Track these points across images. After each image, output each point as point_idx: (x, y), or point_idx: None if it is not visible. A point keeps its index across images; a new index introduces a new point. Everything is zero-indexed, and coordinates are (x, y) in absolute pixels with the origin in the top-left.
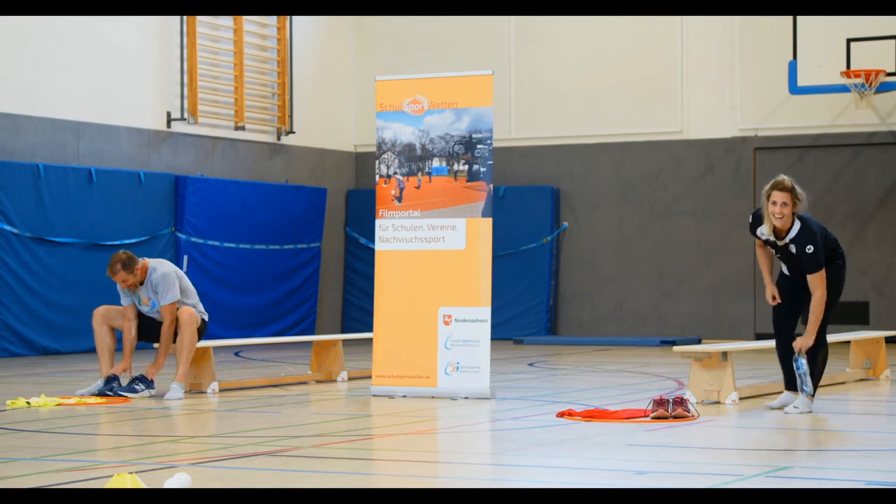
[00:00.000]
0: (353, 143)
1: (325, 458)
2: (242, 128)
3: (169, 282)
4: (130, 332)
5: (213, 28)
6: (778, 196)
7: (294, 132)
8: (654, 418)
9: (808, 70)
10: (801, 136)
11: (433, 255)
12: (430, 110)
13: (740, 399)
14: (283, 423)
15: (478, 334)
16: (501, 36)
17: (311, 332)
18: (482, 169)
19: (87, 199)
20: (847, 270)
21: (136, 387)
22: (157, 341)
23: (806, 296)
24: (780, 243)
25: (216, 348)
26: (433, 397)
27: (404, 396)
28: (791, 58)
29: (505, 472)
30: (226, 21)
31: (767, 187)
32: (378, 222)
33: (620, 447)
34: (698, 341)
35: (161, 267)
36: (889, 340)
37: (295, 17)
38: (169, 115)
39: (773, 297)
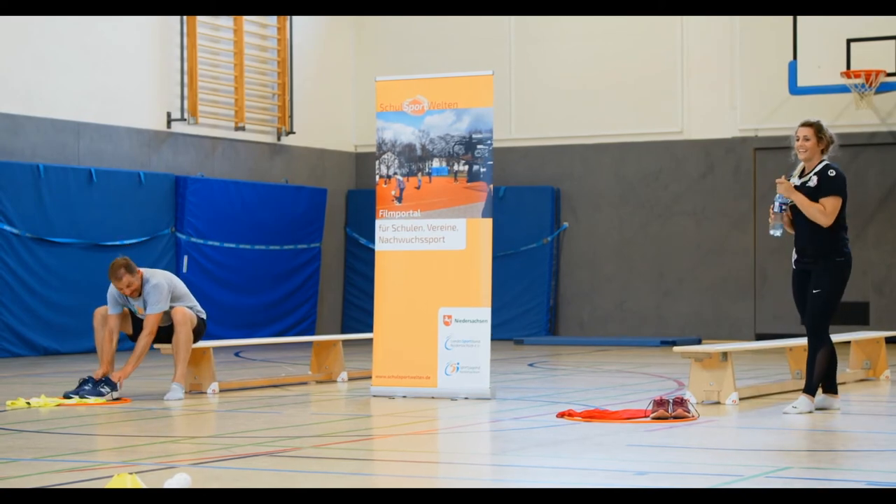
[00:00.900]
0: (354, 144)
1: (326, 458)
2: (242, 128)
3: (159, 293)
4: (112, 342)
5: (213, 28)
6: (801, 131)
7: (294, 132)
8: (654, 419)
9: (808, 70)
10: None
11: (433, 256)
12: (430, 111)
13: (740, 399)
14: (283, 423)
15: (478, 335)
16: (501, 36)
17: (312, 333)
18: (482, 169)
19: (87, 199)
20: (851, 269)
21: (102, 390)
22: (166, 342)
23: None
24: (803, 180)
25: (216, 349)
26: (433, 398)
27: (404, 397)
28: (791, 58)
29: (505, 472)
30: (226, 21)
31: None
32: (378, 223)
33: (620, 447)
34: (698, 341)
35: (153, 277)
36: (889, 341)
37: (295, 18)
38: (169, 115)
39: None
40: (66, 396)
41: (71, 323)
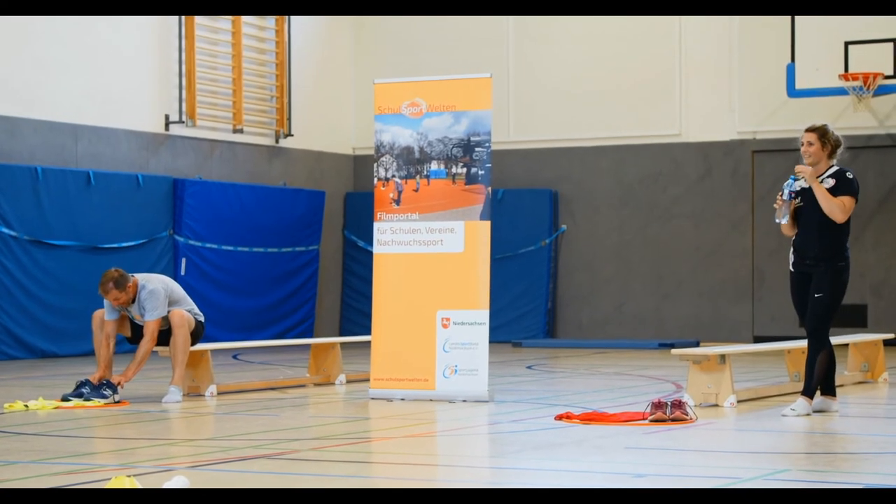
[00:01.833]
0: (352, 146)
1: (324, 461)
2: (241, 131)
3: (155, 299)
4: (109, 347)
5: (211, 31)
6: (805, 136)
7: (292, 135)
8: (652, 421)
9: (806, 73)
10: (799, 138)
11: (431, 258)
12: (428, 113)
13: (738, 402)
14: (281, 426)
15: (476, 337)
16: (500, 38)
17: (310, 335)
18: (480, 172)
19: (85, 201)
20: (850, 274)
21: (105, 392)
22: (164, 344)
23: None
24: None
25: (214, 351)
26: (431, 400)
27: (402, 399)
28: (789, 61)
29: (503, 475)
30: (224, 24)
31: None
32: (376, 225)
33: (619, 450)
34: (697, 344)
35: (149, 283)
36: (887, 343)
37: (293, 20)
38: (167, 117)
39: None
40: (64, 399)
41: (69, 326)
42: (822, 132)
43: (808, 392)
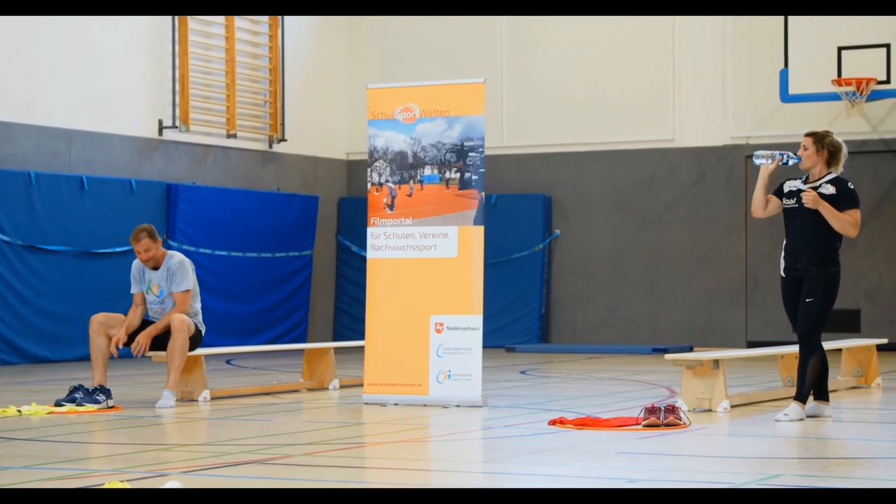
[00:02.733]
0: (345, 151)
1: (317, 466)
2: (234, 135)
3: (185, 270)
4: (136, 319)
5: (205, 36)
6: (803, 141)
7: (286, 140)
8: (645, 426)
9: (799, 78)
10: (792, 143)
11: (425, 263)
12: (421, 118)
13: (732, 407)
14: (274, 431)
15: (470, 342)
16: (493, 43)
17: (303, 340)
18: (474, 177)
19: (78, 206)
20: (841, 279)
21: (98, 397)
22: (160, 349)
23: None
24: (811, 185)
25: (208, 356)
26: (425, 405)
27: (396, 404)
28: (783, 66)
29: (496, 479)
30: (217, 29)
31: None
32: (370, 230)
33: (612, 455)
34: (690, 349)
35: (177, 256)
36: (880, 348)
37: (287, 25)
38: (161, 122)
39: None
40: (58, 404)
41: (62, 331)
42: (817, 136)
43: (800, 397)
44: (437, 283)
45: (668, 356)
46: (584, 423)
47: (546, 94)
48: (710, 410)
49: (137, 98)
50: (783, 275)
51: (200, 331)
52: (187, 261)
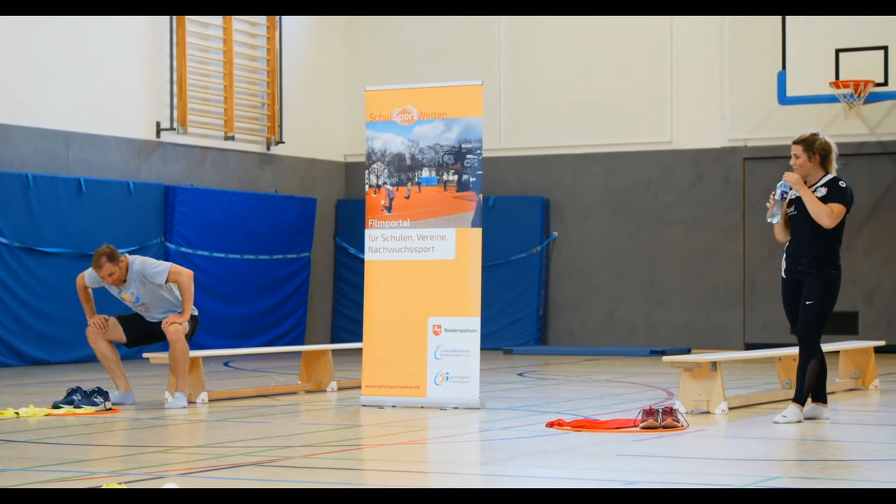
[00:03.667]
0: (343, 153)
1: (315, 468)
2: (232, 138)
3: (151, 262)
4: (90, 299)
5: (202, 38)
6: (792, 149)
7: (284, 142)
8: (643, 428)
9: (797, 80)
10: (790, 146)
11: (423, 265)
12: (419, 120)
13: (730, 409)
14: (272, 433)
15: (467, 344)
16: (491, 46)
17: (301, 342)
18: (472, 179)
19: (76, 209)
20: (841, 282)
21: (96, 399)
22: (158, 339)
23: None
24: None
25: (206, 358)
26: (423, 407)
27: (394, 406)
28: (780, 68)
29: (494, 481)
30: (215, 31)
31: None
32: (368, 232)
33: (610, 457)
34: (688, 351)
35: (137, 257)
36: (878, 350)
37: (285, 26)
38: (158, 124)
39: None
40: (55, 406)
41: (60, 333)
42: (807, 143)
43: (799, 399)
44: (435, 285)
45: (665, 358)
46: (581, 425)
47: (544, 96)
48: (707, 412)
49: (135, 100)
50: (783, 276)
51: (195, 315)
52: (144, 259)
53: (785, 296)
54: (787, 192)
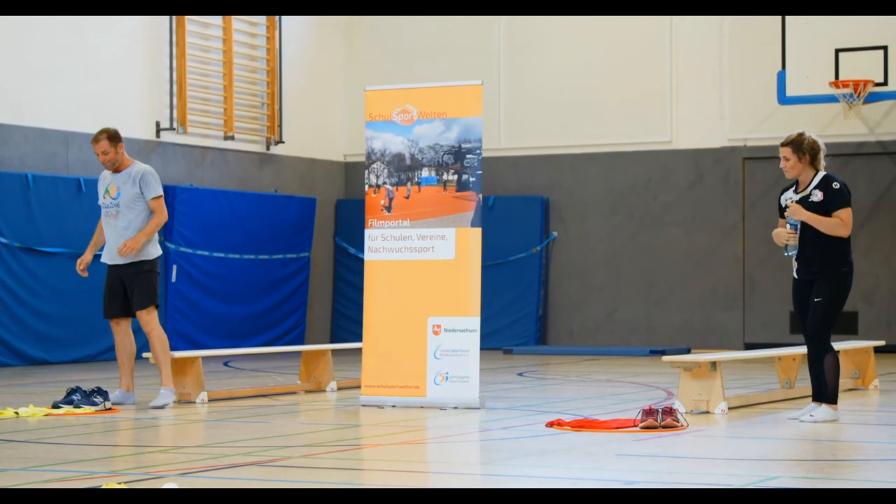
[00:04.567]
0: (343, 153)
1: (315, 468)
2: (232, 137)
3: (154, 179)
4: (101, 236)
5: (202, 38)
6: (781, 151)
7: (283, 142)
8: (643, 428)
9: (796, 80)
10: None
11: (422, 265)
12: (419, 120)
13: (729, 409)
14: (272, 433)
15: (467, 344)
16: (491, 46)
17: (301, 342)
18: (471, 179)
19: (76, 208)
20: (853, 279)
21: (95, 399)
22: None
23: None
24: (801, 194)
25: (205, 358)
26: (422, 407)
27: (393, 406)
28: (780, 68)
29: (494, 481)
30: (215, 31)
31: None
32: (367, 232)
33: (610, 457)
34: (688, 351)
35: (145, 165)
36: (878, 350)
37: (284, 27)
38: (158, 124)
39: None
40: (55, 406)
41: (59, 333)
42: (795, 144)
43: (820, 398)
44: (435, 285)
45: (665, 358)
46: (581, 425)
47: (543, 96)
48: (707, 412)
49: (135, 100)
50: (795, 277)
51: (153, 270)
52: (153, 171)
53: (796, 296)
54: (797, 226)
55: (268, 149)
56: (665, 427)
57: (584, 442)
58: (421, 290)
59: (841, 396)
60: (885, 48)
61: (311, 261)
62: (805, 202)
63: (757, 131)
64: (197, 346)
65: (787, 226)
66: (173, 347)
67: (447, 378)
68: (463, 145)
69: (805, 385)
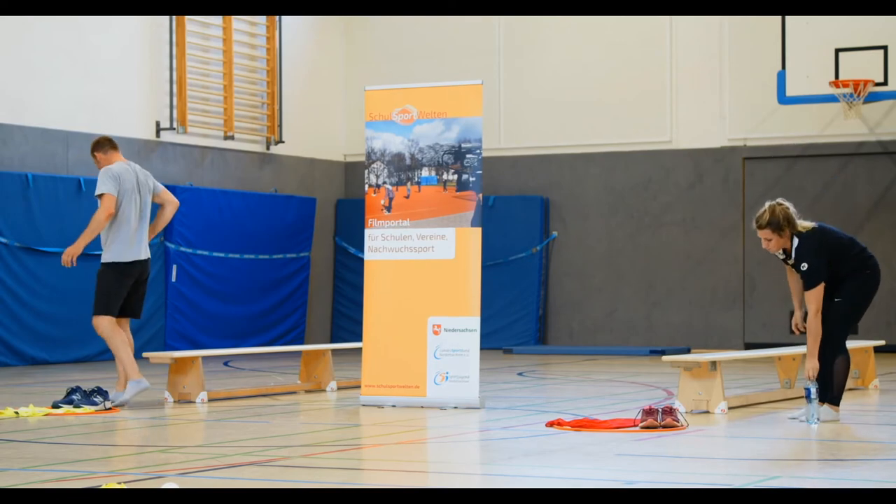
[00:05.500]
0: (343, 153)
1: (315, 468)
2: (232, 137)
3: (104, 175)
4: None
5: (202, 38)
6: (759, 234)
7: (283, 142)
8: (643, 428)
9: (796, 80)
10: (789, 145)
11: (422, 265)
12: (419, 120)
13: (729, 409)
14: (272, 432)
15: (467, 344)
16: (490, 46)
17: (301, 342)
18: (471, 178)
19: (76, 208)
20: (878, 283)
21: (95, 399)
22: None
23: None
24: (791, 263)
25: (205, 358)
26: (422, 407)
27: (393, 406)
28: (780, 68)
29: (494, 481)
30: (215, 31)
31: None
32: (367, 232)
33: (610, 457)
34: (687, 351)
35: (112, 165)
36: (878, 350)
37: (284, 26)
38: (158, 124)
39: (797, 326)
40: (55, 406)
41: (59, 333)
42: (773, 224)
43: (825, 398)
44: (435, 285)
45: (665, 358)
46: (581, 425)
47: (543, 96)
48: (707, 412)
49: (135, 100)
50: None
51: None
52: (110, 170)
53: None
54: (811, 389)
55: (268, 149)
56: (665, 427)
57: (584, 442)
58: (421, 289)
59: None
60: (885, 48)
61: (311, 261)
62: (797, 267)
63: (757, 131)
64: (197, 346)
65: (806, 392)
66: (173, 347)
67: (447, 378)
68: (463, 145)
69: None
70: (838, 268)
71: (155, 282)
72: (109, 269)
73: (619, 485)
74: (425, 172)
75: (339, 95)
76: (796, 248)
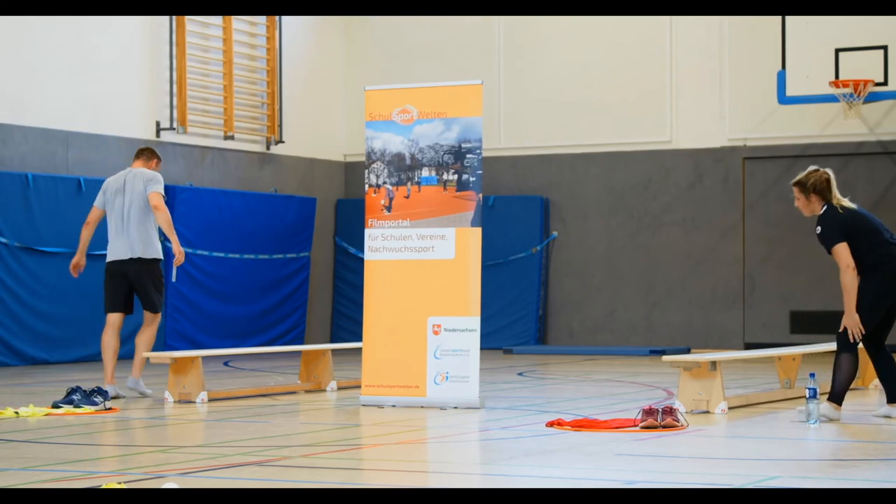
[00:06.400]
0: (343, 153)
1: (315, 468)
2: (232, 137)
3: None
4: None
5: (202, 38)
6: (793, 189)
7: (283, 142)
8: (643, 428)
9: (796, 80)
10: (789, 145)
11: (422, 265)
12: (419, 120)
13: (729, 409)
14: (272, 432)
15: (467, 344)
16: (490, 46)
17: (301, 342)
18: (471, 178)
19: (76, 208)
20: (884, 280)
21: (95, 399)
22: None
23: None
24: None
25: (205, 358)
26: (422, 407)
27: (393, 406)
28: (780, 68)
29: (494, 481)
30: (215, 31)
31: None
32: (367, 232)
33: (610, 457)
34: (687, 351)
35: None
36: None
37: (284, 26)
38: (158, 124)
39: (858, 327)
40: (55, 406)
41: (59, 333)
42: (801, 185)
43: (833, 398)
44: (435, 285)
45: (665, 358)
46: (581, 425)
47: (543, 96)
48: (707, 412)
49: (135, 100)
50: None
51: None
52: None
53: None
54: (812, 389)
55: (268, 149)
56: (665, 427)
57: (584, 442)
58: (421, 289)
59: None
60: (885, 48)
61: (311, 261)
62: (817, 237)
63: (757, 131)
64: (197, 346)
65: (807, 393)
66: (174, 347)
67: (447, 378)
68: (463, 145)
69: (804, 385)
70: (857, 255)
71: None
72: (107, 266)
73: (619, 485)
74: (425, 172)
75: (339, 95)
76: (820, 216)
